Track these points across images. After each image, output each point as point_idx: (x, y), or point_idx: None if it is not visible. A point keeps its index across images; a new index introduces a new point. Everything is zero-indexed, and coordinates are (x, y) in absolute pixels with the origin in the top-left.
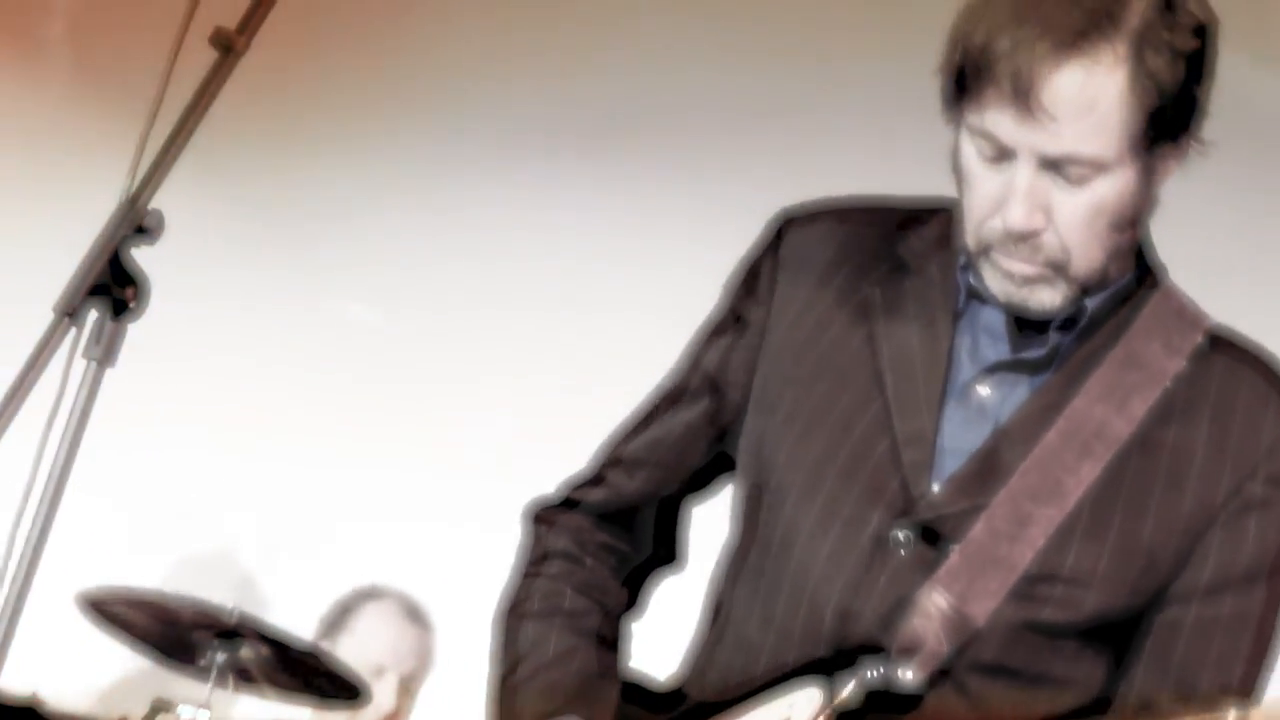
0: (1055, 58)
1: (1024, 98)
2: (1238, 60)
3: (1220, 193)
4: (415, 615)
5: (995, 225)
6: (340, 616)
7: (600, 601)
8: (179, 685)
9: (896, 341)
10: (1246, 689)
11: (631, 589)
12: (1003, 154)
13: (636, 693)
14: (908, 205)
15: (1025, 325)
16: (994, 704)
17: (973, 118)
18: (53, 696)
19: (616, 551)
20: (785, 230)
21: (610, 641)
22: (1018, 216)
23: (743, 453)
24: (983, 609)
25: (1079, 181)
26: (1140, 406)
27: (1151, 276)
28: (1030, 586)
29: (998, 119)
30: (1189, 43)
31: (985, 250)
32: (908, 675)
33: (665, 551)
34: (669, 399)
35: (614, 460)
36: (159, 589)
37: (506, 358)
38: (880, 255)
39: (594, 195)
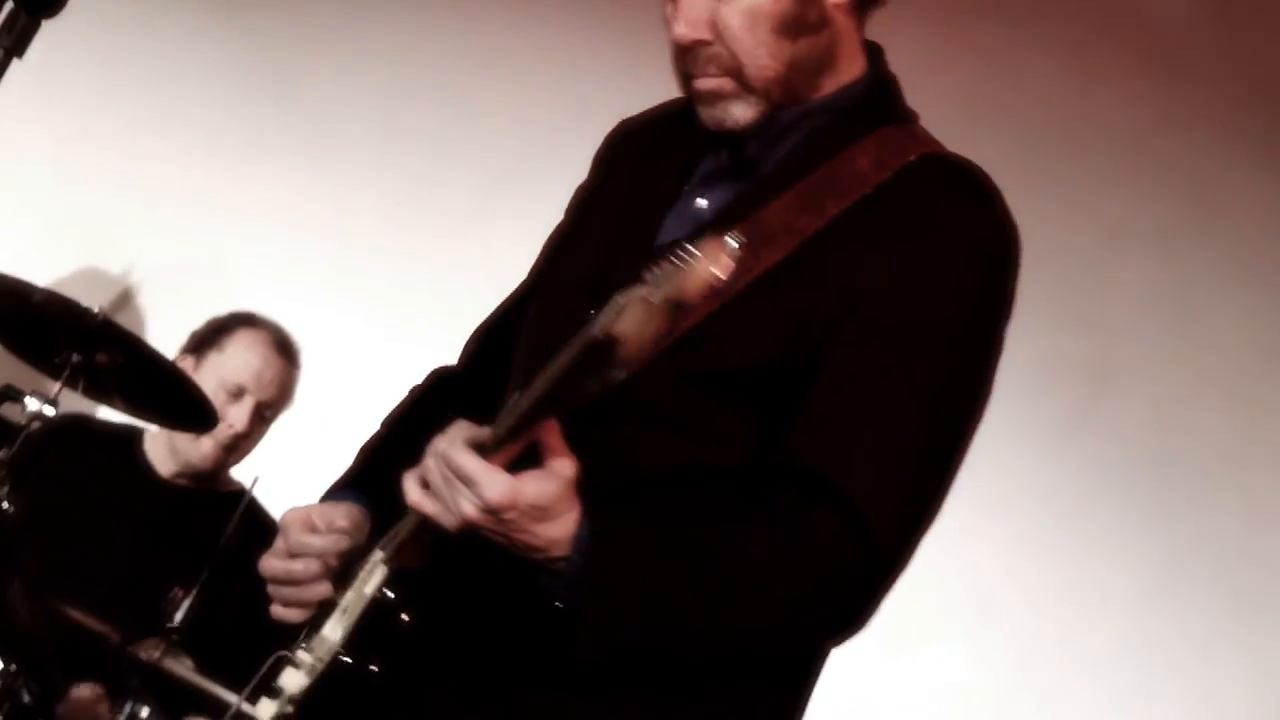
0: None
1: None
2: None
3: None
4: (286, 348)
5: (677, 48)
6: (212, 335)
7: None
8: (28, 377)
9: (645, 177)
10: (879, 442)
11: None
12: None
13: None
14: None
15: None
16: (652, 450)
17: None
18: None
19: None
20: (613, 134)
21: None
22: (676, 29)
23: None
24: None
25: None
26: (834, 208)
27: (893, 115)
28: (684, 345)
29: None
30: None
31: (686, 82)
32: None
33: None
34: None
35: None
36: (29, 280)
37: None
38: (675, 127)
39: None
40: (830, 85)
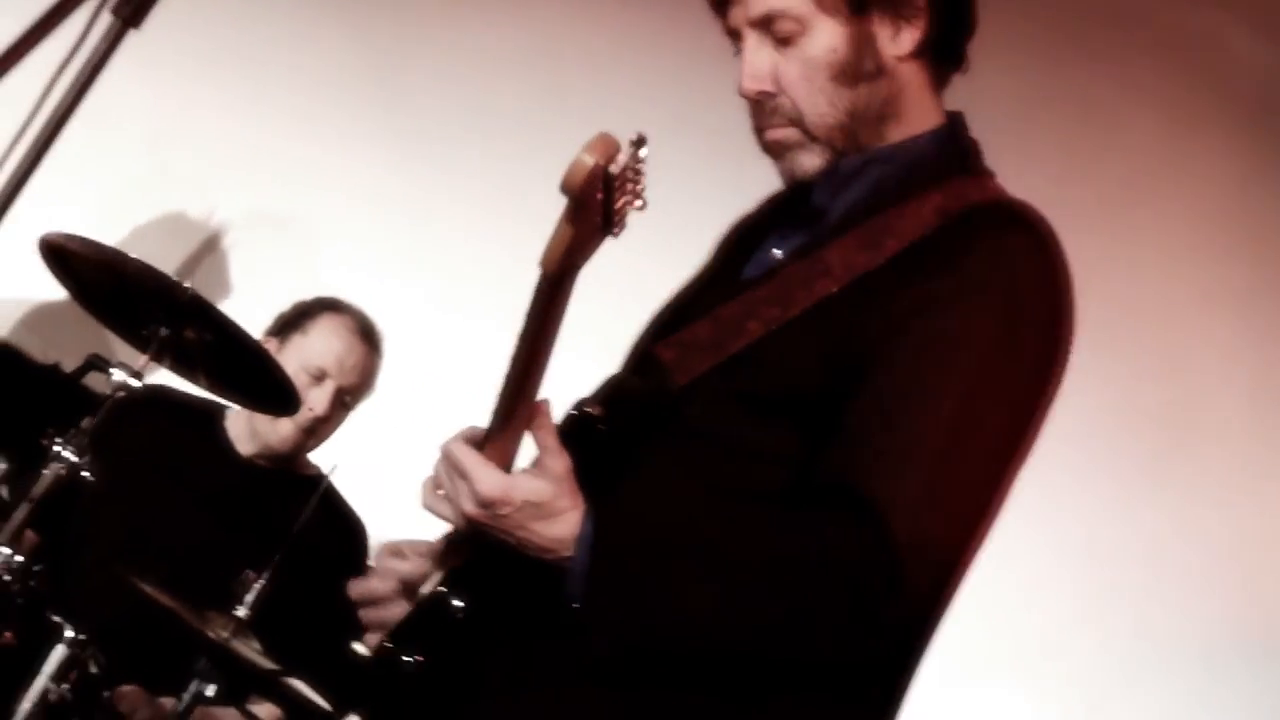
0: None
1: None
2: None
3: None
4: (369, 335)
5: (745, 101)
6: (297, 317)
7: None
8: (117, 348)
9: (742, 244)
10: (900, 450)
11: None
12: (735, 38)
13: None
14: None
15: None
16: (700, 467)
17: (723, 30)
18: None
19: None
20: (730, 227)
21: None
22: (742, 83)
23: None
24: (687, 375)
25: (790, 40)
26: (893, 247)
27: (964, 165)
28: (735, 364)
29: (724, 15)
30: None
31: (760, 137)
32: (597, 412)
33: None
34: None
35: None
36: (123, 250)
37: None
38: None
39: None
40: (896, 134)
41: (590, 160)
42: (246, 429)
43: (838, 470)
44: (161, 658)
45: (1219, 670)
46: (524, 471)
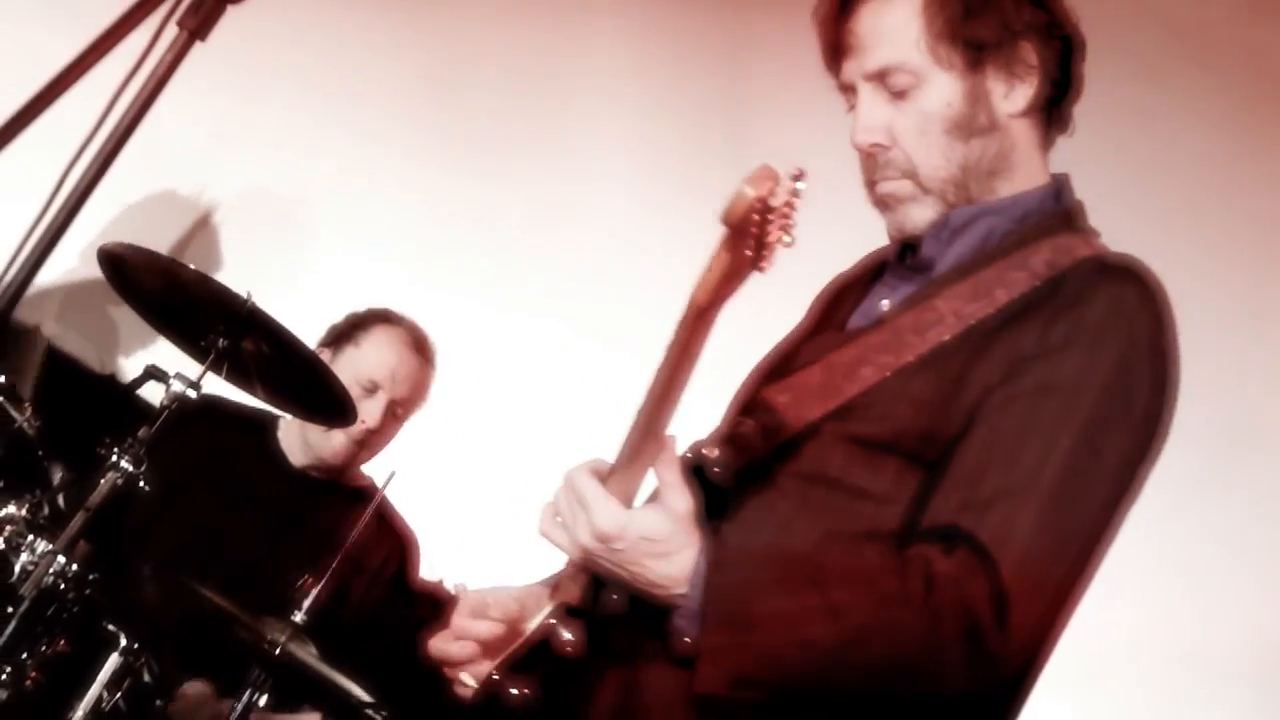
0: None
1: (839, 37)
2: None
3: None
4: (422, 347)
5: (859, 153)
6: (350, 329)
7: None
8: (174, 358)
9: (844, 297)
10: (1022, 483)
11: None
12: (850, 93)
13: None
14: None
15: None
16: (813, 508)
17: (838, 85)
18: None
19: None
20: (828, 285)
21: None
22: (857, 133)
23: None
24: (801, 420)
25: (905, 93)
26: (1003, 297)
27: (1071, 223)
28: (848, 408)
29: (840, 69)
30: None
31: (873, 190)
32: (714, 454)
33: None
34: None
35: None
36: (182, 260)
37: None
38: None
39: None
40: (1006, 189)
41: (752, 193)
42: (299, 440)
43: (950, 510)
44: (215, 665)
45: (1271, 691)
46: (644, 507)
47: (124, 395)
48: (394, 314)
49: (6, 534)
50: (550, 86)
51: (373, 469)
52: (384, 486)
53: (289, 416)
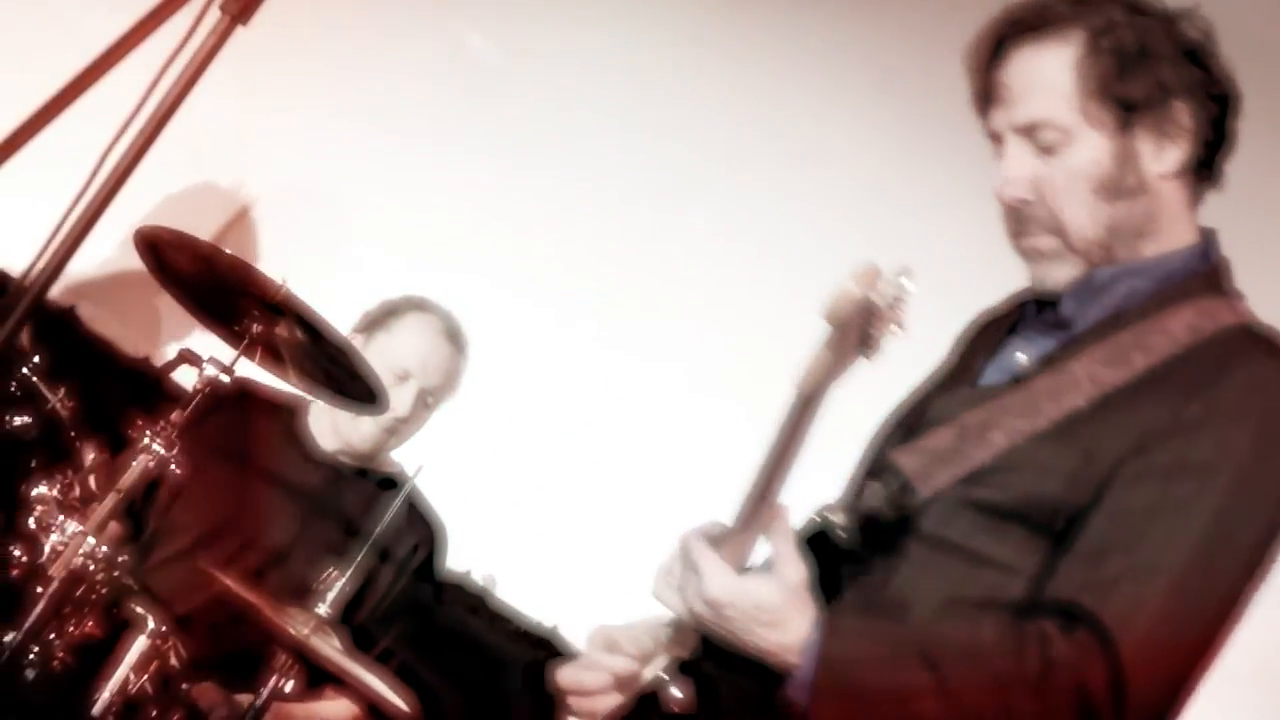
0: (1011, 44)
1: (990, 81)
2: None
3: None
4: (454, 336)
5: (1003, 206)
6: (383, 316)
7: None
8: (207, 342)
9: (984, 342)
10: (1149, 572)
11: None
12: (997, 141)
13: None
14: None
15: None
16: (935, 573)
17: (985, 129)
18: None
19: None
20: (973, 322)
21: None
22: (1002, 186)
23: None
24: (929, 487)
25: (1053, 149)
26: (1141, 362)
27: (1215, 284)
28: (978, 474)
29: (988, 115)
30: (1153, 37)
31: (1017, 242)
32: (839, 519)
33: None
34: None
35: None
36: (217, 244)
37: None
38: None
39: None
40: (1151, 250)
41: (857, 292)
42: (329, 426)
43: (1074, 587)
44: (240, 651)
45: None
46: (756, 576)
47: (157, 378)
48: (428, 302)
49: (37, 514)
50: (586, 74)
51: (403, 457)
52: (414, 477)
53: (320, 402)
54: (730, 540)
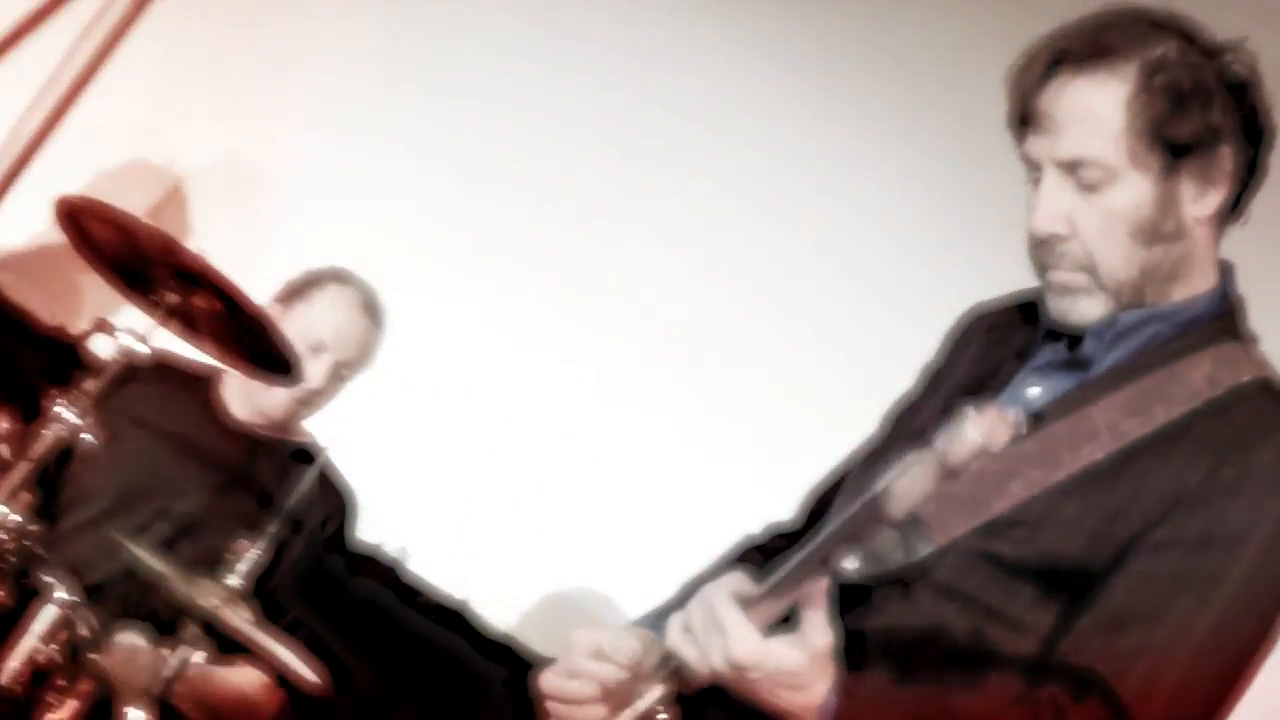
0: (1060, 71)
1: (1033, 107)
2: None
3: None
4: (371, 309)
5: (1034, 238)
6: (304, 287)
7: None
8: (134, 317)
9: (989, 357)
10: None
11: None
12: (1035, 170)
13: None
14: None
15: (1079, 340)
16: (943, 622)
17: (1020, 152)
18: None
19: None
20: (965, 317)
21: None
22: (1036, 218)
23: None
24: (944, 535)
25: (1094, 187)
26: (1162, 415)
27: (1233, 333)
28: (994, 526)
29: (1026, 141)
30: (1204, 75)
31: (1041, 270)
32: (849, 565)
33: None
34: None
35: None
36: (139, 216)
37: None
38: (1024, 314)
39: None
40: (1179, 294)
41: (980, 440)
42: (242, 394)
43: (1090, 653)
44: (152, 620)
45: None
46: (783, 640)
47: (72, 347)
48: (348, 274)
49: None
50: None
51: (317, 427)
52: (327, 449)
53: (234, 371)
54: (764, 603)
